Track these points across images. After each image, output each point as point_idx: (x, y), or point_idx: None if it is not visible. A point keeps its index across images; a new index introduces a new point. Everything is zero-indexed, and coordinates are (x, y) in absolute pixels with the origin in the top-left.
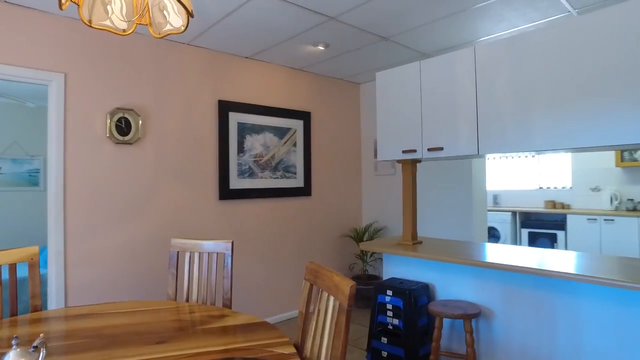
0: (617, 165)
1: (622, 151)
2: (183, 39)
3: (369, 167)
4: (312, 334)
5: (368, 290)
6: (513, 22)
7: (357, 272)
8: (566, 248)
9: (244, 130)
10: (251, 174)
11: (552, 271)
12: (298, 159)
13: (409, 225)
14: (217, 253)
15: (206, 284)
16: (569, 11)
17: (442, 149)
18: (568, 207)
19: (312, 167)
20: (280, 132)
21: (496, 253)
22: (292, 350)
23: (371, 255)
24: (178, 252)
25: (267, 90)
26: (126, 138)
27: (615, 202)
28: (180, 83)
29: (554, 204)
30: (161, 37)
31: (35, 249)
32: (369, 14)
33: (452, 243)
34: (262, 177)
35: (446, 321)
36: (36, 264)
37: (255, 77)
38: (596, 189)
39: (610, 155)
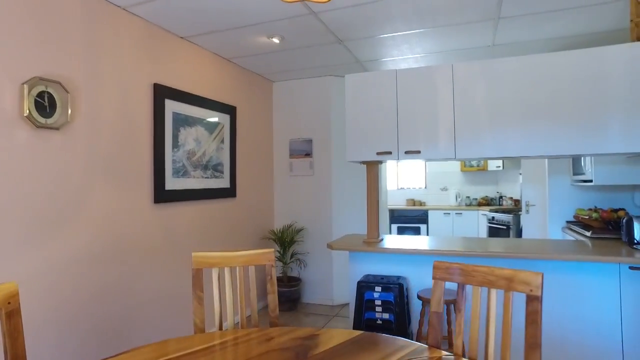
0: (461, 170)
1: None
2: (119, 0)
3: (283, 167)
4: (462, 330)
5: (291, 292)
6: (414, 51)
7: (277, 274)
8: (428, 234)
9: (179, 122)
10: (185, 173)
11: (520, 253)
12: (225, 157)
13: (373, 224)
14: (256, 266)
15: (245, 303)
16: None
17: (419, 152)
18: (424, 204)
19: (237, 166)
20: (211, 127)
21: (459, 243)
22: (443, 352)
23: (291, 257)
24: (202, 269)
25: (199, 79)
26: (50, 121)
27: (459, 199)
28: (115, 56)
29: (414, 202)
30: None
31: (10, 287)
32: (345, 15)
33: (409, 239)
34: (194, 177)
35: (419, 306)
36: None
37: (189, 62)
38: (444, 189)
39: (456, 162)
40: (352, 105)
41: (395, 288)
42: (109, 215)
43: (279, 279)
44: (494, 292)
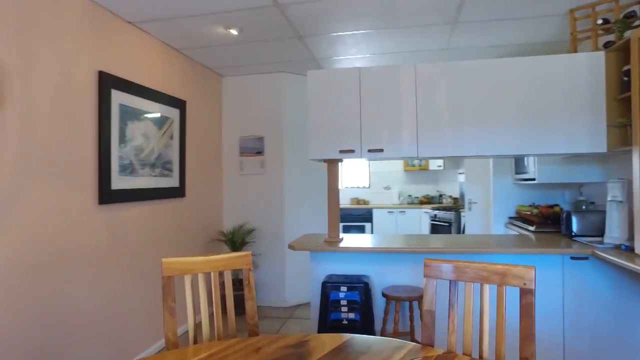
0: (404, 170)
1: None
2: None
3: (233, 166)
4: (455, 327)
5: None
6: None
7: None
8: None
9: (126, 114)
10: (132, 171)
11: (490, 249)
12: (174, 155)
13: (334, 223)
14: (233, 270)
15: (220, 312)
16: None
17: (382, 150)
18: (368, 203)
19: (187, 164)
20: (160, 122)
21: (416, 241)
22: (440, 350)
23: None
24: (173, 277)
25: (148, 69)
26: None
27: (401, 198)
28: (54, 38)
29: (357, 201)
30: None
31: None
32: (310, 9)
33: (367, 238)
34: (142, 175)
35: (382, 304)
36: None
37: (138, 51)
38: (387, 188)
39: (399, 162)
40: (314, 102)
41: (361, 287)
42: (47, 219)
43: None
44: (487, 287)
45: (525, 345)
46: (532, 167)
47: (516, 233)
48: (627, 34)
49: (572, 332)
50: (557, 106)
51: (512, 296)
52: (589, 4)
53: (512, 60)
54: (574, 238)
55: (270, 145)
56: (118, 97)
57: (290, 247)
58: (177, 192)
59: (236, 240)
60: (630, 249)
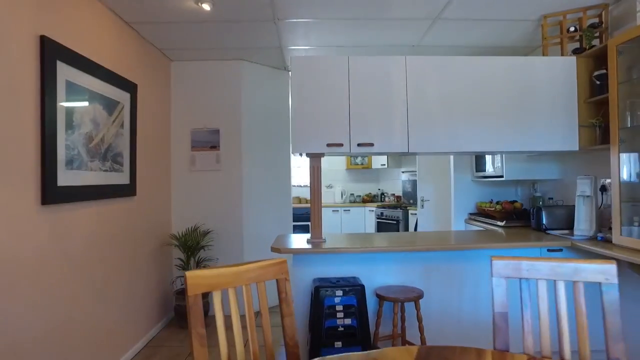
0: (347, 168)
1: (354, 157)
2: None
3: (183, 161)
4: (531, 329)
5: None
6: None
7: (180, 285)
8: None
9: (74, 94)
10: (81, 164)
11: (468, 245)
12: (125, 146)
13: (317, 223)
14: (268, 281)
15: (255, 335)
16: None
17: (372, 144)
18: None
19: (137, 157)
20: (110, 106)
21: (396, 239)
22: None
23: (197, 265)
24: (199, 295)
25: (98, 43)
26: None
27: (344, 196)
28: None
29: (299, 200)
30: None
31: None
32: None
33: (351, 237)
34: (92, 170)
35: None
36: None
37: (86, 19)
38: (330, 186)
39: (342, 160)
40: (298, 91)
41: (357, 290)
42: None
43: (183, 292)
44: (561, 284)
45: (613, 344)
46: (498, 165)
47: (480, 228)
48: (595, 41)
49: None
50: (537, 106)
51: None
52: (561, 12)
53: (497, 59)
54: (547, 231)
55: (227, 138)
56: (64, 72)
57: (275, 250)
58: (128, 190)
59: (189, 244)
60: (604, 240)
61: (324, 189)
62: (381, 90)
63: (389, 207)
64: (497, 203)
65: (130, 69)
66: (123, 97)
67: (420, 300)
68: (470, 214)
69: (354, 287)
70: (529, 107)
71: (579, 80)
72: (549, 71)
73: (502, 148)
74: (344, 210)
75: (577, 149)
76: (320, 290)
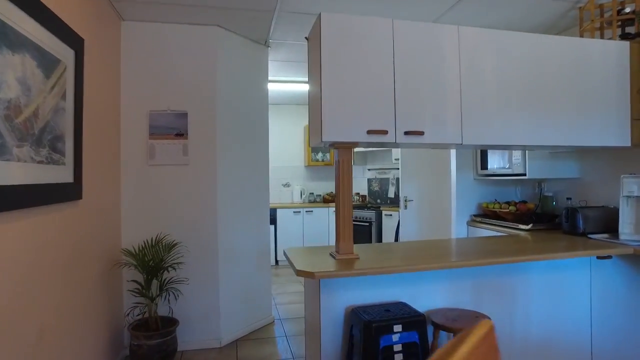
0: (307, 165)
1: (316, 152)
2: None
3: (138, 152)
4: None
5: (166, 343)
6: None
7: (137, 316)
8: (276, 238)
9: None
10: (2, 150)
11: (524, 257)
12: (68, 127)
13: (347, 233)
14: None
15: None
16: None
17: (422, 133)
18: None
19: (85, 145)
20: (48, 64)
21: (442, 249)
22: None
23: (162, 290)
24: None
25: None
26: None
27: (304, 196)
28: None
29: None
30: None
31: None
32: None
33: (387, 247)
34: (19, 160)
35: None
36: None
37: None
38: (287, 185)
39: (301, 156)
40: (330, 62)
41: (419, 323)
42: None
43: (142, 326)
44: None
45: None
46: (517, 162)
47: (494, 233)
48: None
49: (600, 335)
50: (591, 95)
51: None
52: None
53: (553, 38)
54: (589, 236)
55: (197, 124)
56: None
57: (306, 274)
58: (72, 192)
59: (151, 263)
60: None
61: (280, 188)
62: (432, 66)
63: (357, 207)
64: (508, 203)
65: (77, 17)
66: (66, 54)
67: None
68: (474, 215)
69: (414, 319)
70: (583, 96)
71: (632, 68)
72: (603, 56)
73: (557, 142)
74: (306, 211)
75: (628, 144)
76: (372, 325)
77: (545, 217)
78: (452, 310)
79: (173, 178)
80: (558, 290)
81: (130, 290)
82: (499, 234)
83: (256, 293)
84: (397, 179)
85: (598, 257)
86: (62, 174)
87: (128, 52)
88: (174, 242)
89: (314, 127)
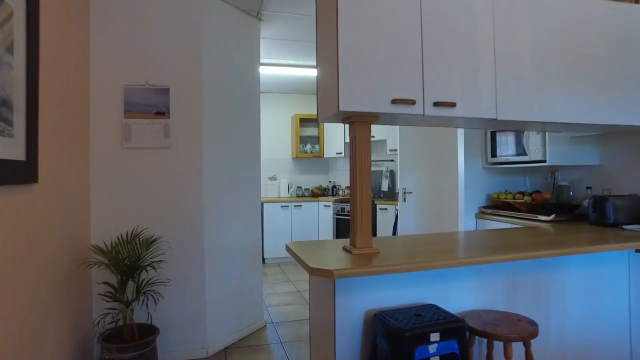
0: (295, 157)
1: (304, 143)
2: None
3: (110, 133)
4: None
5: (145, 355)
6: None
7: (110, 324)
8: (263, 234)
9: None
10: None
11: (566, 250)
12: (17, 89)
13: (366, 223)
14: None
15: None
16: None
17: (454, 105)
18: None
19: (42, 116)
20: None
21: (472, 242)
22: None
23: (138, 293)
24: None
25: None
26: None
27: (291, 190)
28: None
29: None
30: None
31: None
32: None
33: (404, 240)
34: None
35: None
36: None
37: None
38: (273, 178)
39: (288, 147)
40: (349, 17)
41: (459, 330)
42: None
43: (115, 337)
44: None
45: None
46: (535, 148)
47: (509, 225)
48: None
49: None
50: (635, 68)
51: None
52: None
53: (601, 3)
54: (622, 227)
55: (181, 102)
56: None
57: (321, 272)
58: (24, 172)
59: (127, 261)
60: None
61: (266, 181)
62: (463, 28)
63: (349, 201)
64: (522, 194)
65: None
66: None
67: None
68: (484, 207)
69: (453, 325)
70: (626, 68)
71: None
72: None
73: (603, 120)
74: (295, 206)
75: None
76: (404, 334)
77: (565, 207)
78: (488, 313)
79: (152, 163)
80: (595, 287)
81: (102, 295)
82: (514, 226)
83: (247, 294)
84: (391, 172)
85: (637, 251)
86: (9, 149)
87: (99, 15)
88: (154, 237)
89: (326, 97)
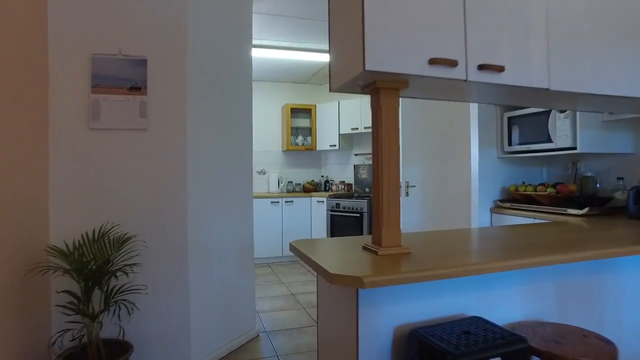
0: (287, 149)
1: (295, 135)
2: None
3: (73, 111)
4: None
5: None
6: None
7: (71, 342)
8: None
9: None
10: None
11: (613, 251)
12: None
13: (394, 216)
14: None
15: None
16: None
17: (502, 69)
18: None
19: None
20: None
21: (508, 240)
22: None
23: (107, 303)
24: None
25: None
26: None
27: (282, 185)
28: None
29: None
30: None
31: None
32: None
33: (426, 237)
34: None
35: None
36: None
37: None
38: (262, 172)
39: (278, 139)
40: None
41: (522, 352)
42: None
43: (77, 358)
44: None
45: None
46: (563, 134)
47: (532, 220)
48: None
49: None
50: None
51: None
52: None
53: None
54: None
55: (161, 76)
56: None
57: (345, 281)
58: None
59: (91, 265)
60: None
61: (254, 175)
62: None
63: (344, 196)
64: (543, 185)
65: None
66: None
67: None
68: (499, 201)
69: (515, 347)
70: None
71: None
72: None
73: None
74: (286, 202)
75: None
76: None
77: (595, 200)
78: (542, 326)
79: (126, 147)
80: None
81: (61, 306)
82: (539, 221)
83: (237, 300)
84: None
85: None
86: None
87: None
88: (127, 236)
89: (345, 56)
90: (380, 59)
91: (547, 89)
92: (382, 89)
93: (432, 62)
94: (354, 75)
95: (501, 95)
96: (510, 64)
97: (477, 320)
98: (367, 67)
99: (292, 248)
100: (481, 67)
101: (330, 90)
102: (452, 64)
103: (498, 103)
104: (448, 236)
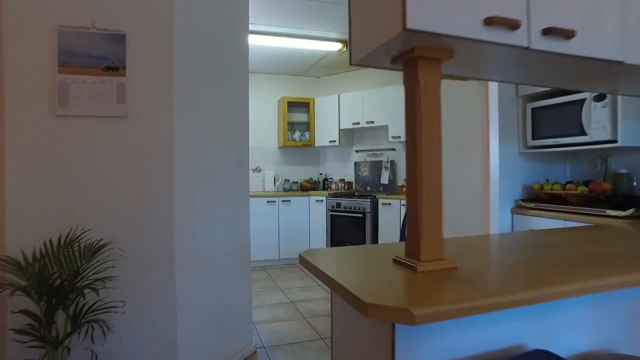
0: (283, 145)
1: (292, 131)
2: None
3: (36, 95)
4: None
5: None
6: None
7: None
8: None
9: None
10: None
11: None
12: None
13: (436, 221)
14: None
15: None
16: None
17: (573, 34)
18: None
19: None
20: None
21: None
22: None
23: (74, 327)
24: None
25: None
26: None
27: (278, 183)
28: None
29: None
30: None
31: None
32: None
33: (463, 244)
34: None
35: None
36: None
37: None
38: (257, 170)
39: (274, 135)
40: None
41: None
42: None
43: None
44: None
45: None
46: (600, 125)
47: (563, 223)
48: None
49: None
50: None
51: None
52: None
53: None
54: None
55: (142, 54)
56: None
57: (387, 314)
58: None
59: (52, 281)
60: None
61: (249, 173)
62: None
63: (345, 195)
64: (572, 184)
65: None
66: None
67: None
68: (522, 200)
69: None
70: None
71: None
72: None
73: None
74: (283, 201)
75: None
76: None
77: (636, 200)
78: (619, 359)
79: (100, 138)
80: None
81: (16, 330)
82: (572, 223)
83: (232, 312)
84: (392, 162)
85: None
86: None
87: None
88: (100, 243)
89: (375, 15)
90: (426, 16)
91: (623, 62)
92: (421, 59)
93: (489, 21)
94: (388, 39)
95: (560, 72)
96: (581, 30)
97: (541, 355)
98: (409, 26)
99: (302, 261)
100: (546, 32)
101: (350, 63)
102: (514, 25)
103: (550, 86)
104: (486, 243)
